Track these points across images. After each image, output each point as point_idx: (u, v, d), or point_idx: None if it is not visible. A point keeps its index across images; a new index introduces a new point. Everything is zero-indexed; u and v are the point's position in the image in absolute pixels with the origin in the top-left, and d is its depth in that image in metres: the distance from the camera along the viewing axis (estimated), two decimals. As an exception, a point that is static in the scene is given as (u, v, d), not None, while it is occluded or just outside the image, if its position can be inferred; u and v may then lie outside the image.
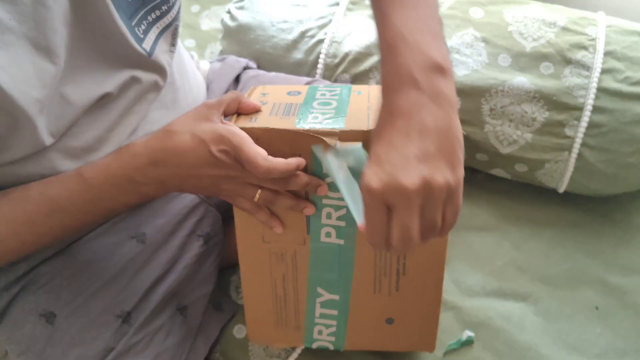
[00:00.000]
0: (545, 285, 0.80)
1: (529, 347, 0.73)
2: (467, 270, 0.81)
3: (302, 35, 0.88)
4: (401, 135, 0.43)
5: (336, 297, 0.65)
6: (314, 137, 0.53)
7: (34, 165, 0.57)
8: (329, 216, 0.59)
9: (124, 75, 0.59)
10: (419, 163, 0.42)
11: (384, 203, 0.43)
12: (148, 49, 0.60)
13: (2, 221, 0.54)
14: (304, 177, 0.54)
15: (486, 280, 0.80)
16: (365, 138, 0.52)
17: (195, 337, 0.71)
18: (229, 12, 0.93)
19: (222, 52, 0.96)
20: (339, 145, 0.52)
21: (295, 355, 0.73)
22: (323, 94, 0.61)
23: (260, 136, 0.53)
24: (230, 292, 0.80)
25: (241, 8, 0.92)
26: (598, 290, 0.79)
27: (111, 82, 0.58)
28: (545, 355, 0.72)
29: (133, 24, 0.57)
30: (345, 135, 0.52)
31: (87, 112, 0.58)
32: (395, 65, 0.45)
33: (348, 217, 0.58)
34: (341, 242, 0.60)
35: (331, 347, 0.70)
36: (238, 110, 0.57)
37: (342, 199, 0.54)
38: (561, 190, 0.84)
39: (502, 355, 0.73)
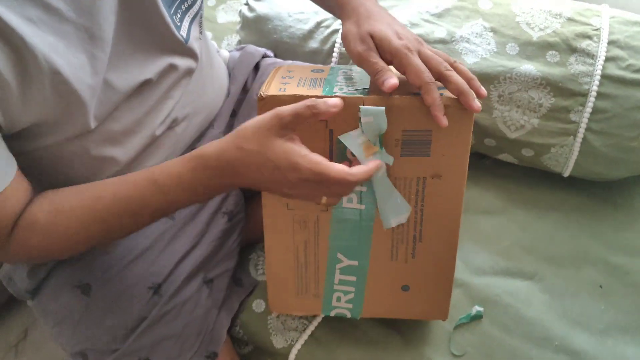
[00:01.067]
0: (550, 264, 0.83)
1: (535, 322, 0.77)
2: (475, 250, 0.85)
3: (318, 25, 0.91)
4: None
5: (355, 263, 0.68)
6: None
7: (75, 147, 0.60)
8: None
9: (163, 62, 0.63)
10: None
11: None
12: (185, 35, 0.64)
13: (73, 217, 0.56)
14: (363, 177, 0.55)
15: (494, 259, 0.84)
16: (388, 104, 0.56)
17: (220, 309, 0.75)
18: (247, 3, 0.97)
19: (240, 42, 1.00)
20: (364, 106, 0.56)
21: (312, 327, 0.77)
22: (345, 71, 0.66)
23: (290, 103, 0.57)
24: (249, 268, 0.84)
25: (259, 0, 0.96)
26: (601, 269, 0.82)
27: (151, 68, 0.62)
28: (550, 329, 0.76)
29: (171, 12, 0.61)
30: (369, 101, 0.57)
31: (128, 97, 0.61)
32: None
33: (369, 183, 0.62)
34: (362, 207, 0.64)
35: (348, 315, 0.73)
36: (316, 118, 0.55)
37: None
38: (566, 174, 0.87)
39: (509, 330, 0.76)
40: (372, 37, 0.57)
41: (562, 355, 0.74)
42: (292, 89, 0.60)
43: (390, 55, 0.57)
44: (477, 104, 0.56)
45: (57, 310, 0.70)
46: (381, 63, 0.56)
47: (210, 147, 0.54)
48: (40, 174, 0.62)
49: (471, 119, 0.59)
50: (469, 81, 0.57)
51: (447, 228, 0.66)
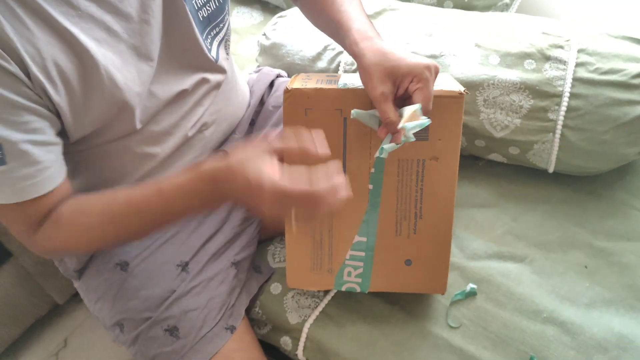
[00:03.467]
0: (539, 249, 0.90)
1: (525, 297, 0.83)
2: (470, 238, 0.93)
3: (325, 48, 1.05)
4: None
5: (364, 239, 0.77)
6: (354, 94, 0.68)
7: (120, 145, 0.73)
8: None
9: (197, 76, 0.77)
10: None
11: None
12: (215, 56, 0.78)
13: (93, 214, 0.65)
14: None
15: (487, 245, 0.92)
16: None
17: (242, 289, 0.85)
18: (264, 34, 1.12)
19: (258, 66, 1.14)
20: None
21: (322, 305, 0.86)
22: (354, 75, 0.76)
23: (311, 95, 0.68)
24: (267, 258, 0.94)
25: (274, 30, 1.10)
26: (586, 252, 0.89)
27: (187, 81, 0.75)
28: (540, 304, 0.83)
29: (203, 38, 0.75)
30: None
31: (167, 104, 0.74)
32: (370, 26, 0.69)
33: (377, 164, 0.72)
34: (371, 187, 0.74)
35: (358, 289, 0.81)
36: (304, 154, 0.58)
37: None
38: (551, 169, 0.96)
39: (501, 304, 0.83)
40: (399, 67, 0.61)
41: (550, 326, 0.80)
42: (311, 84, 0.71)
43: (412, 78, 0.62)
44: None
45: (98, 286, 0.81)
46: (392, 115, 0.62)
47: (208, 161, 0.60)
48: (89, 168, 0.75)
49: (461, 109, 0.69)
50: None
51: (444, 206, 0.75)
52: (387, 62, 0.62)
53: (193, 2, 0.70)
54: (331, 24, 0.73)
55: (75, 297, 1.38)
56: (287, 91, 0.70)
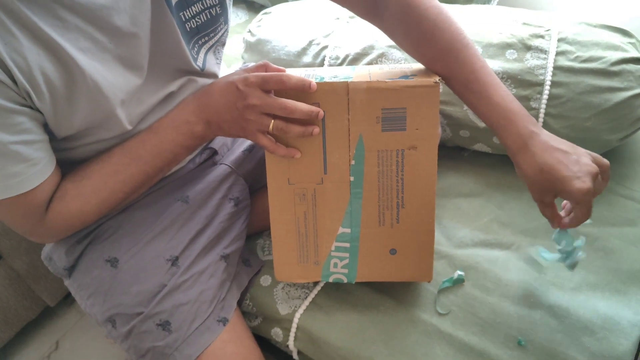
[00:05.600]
0: (525, 236, 0.92)
1: (512, 283, 0.85)
2: (457, 227, 0.94)
3: (310, 43, 1.06)
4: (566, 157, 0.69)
5: (348, 230, 0.78)
6: (330, 88, 0.69)
7: (112, 143, 0.74)
8: None
9: (184, 79, 0.78)
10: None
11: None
12: (201, 65, 0.79)
13: (94, 176, 0.71)
14: (305, 106, 0.68)
15: (474, 233, 0.93)
16: (369, 87, 0.69)
17: (232, 282, 0.86)
18: (249, 31, 1.13)
19: (244, 63, 1.15)
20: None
21: (312, 295, 0.87)
22: (330, 71, 0.78)
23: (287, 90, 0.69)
24: (257, 251, 0.94)
25: (259, 26, 1.11)
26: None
27: (174, 84, 0.77)
28: (527, 289, 0.84)
29: (189, 47, 0.75)
30: (354, 85, 0.69)
31: (155, 106, 0.75)
32: (518, 129, 0.71)
33: (357, 156, 0.73)
34: (352, 179, 0.75)
35: (345, 280, 0.82)
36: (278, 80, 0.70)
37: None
38: (535, 158, 0.98)
39: (489, 291, 0.84)
40: (562, 191, 0.68)
41: (537, 310, 0.81)
42: None
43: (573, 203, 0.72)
44: None
45: (90, 283, 0.81)
46: (553, 216, 0.75)
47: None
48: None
49: (437, 98, 0.70)
50: None
51: (425, 194, 0.76)
52: (548, 183, 0.69)
53: (181, 14, 0.71)
54: (463, 88, 0.74)
55: (66, 300, 1.38)
56: None
